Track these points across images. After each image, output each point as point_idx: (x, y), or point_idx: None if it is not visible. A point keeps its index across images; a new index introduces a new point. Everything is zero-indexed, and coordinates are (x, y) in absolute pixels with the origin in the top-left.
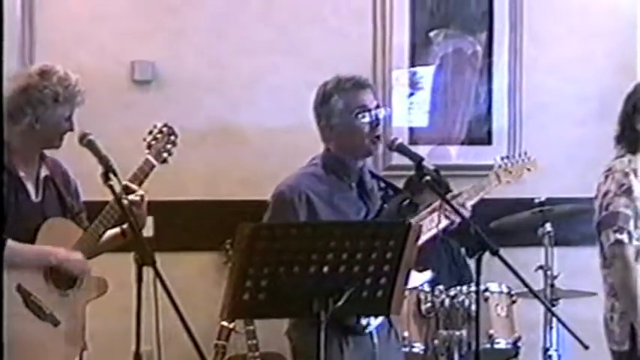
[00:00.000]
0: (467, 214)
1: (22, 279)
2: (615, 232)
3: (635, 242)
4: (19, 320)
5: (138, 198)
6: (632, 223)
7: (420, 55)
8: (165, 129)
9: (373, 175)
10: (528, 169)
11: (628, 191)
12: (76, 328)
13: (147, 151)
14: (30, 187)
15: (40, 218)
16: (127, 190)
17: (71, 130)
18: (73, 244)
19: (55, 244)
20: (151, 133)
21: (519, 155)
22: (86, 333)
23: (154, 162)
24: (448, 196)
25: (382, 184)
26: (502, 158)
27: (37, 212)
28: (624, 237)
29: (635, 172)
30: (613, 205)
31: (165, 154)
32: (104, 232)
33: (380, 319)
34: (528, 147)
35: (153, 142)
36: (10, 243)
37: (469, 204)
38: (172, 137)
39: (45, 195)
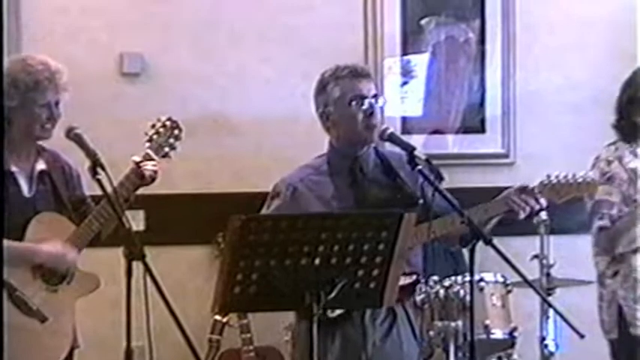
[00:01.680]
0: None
1: (8, 273)
2: (600, 219)
3: None
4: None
5: (153, 166)
6: (616, 208)
7: (412, 43)
8: (168, 123)
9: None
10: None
11: (611, 179)
12: (64, 324)
13: (147, 144)
14: (22, 182)
15: (31, 213)
16: (146, 158)
17: (52, 119)
18: (64, 239)
19: (44, 239)
20: (153, 126)
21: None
22: (77, 330)
23: (154, 156)
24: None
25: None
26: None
27: (29, 207)
28: (606, 222)
29: (620, 159)
30: (597, 194)
31: (166, 149)
32: (98, 228)
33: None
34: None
35: (155, 136)
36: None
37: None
38: (176, 131)
39: (38, 189)
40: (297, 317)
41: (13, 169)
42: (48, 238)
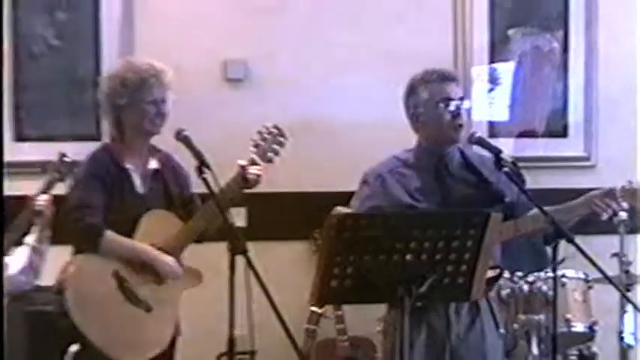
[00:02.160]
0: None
1: (119, 267)
2: None
3: None
4: (111, 303)
5: (258, 170)
6: None
7: (499, 53)
8: (274, 130)
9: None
10: None
11: None
12: (168, 315)
13: (253, 149)
14: (136, 179)
15: (143, 209)
16: (251, 162)
17: (160, 114)
18: (171, 235)
19: (153, 235)
20: (260, 133)
21: None
22: (181, 320)
23: (259, 161)
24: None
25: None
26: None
27: (141, 203)
28: None
29: None
30: None
31: (270, 154)
32: (204, 226)
33: None
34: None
35: (261, 142)
36: (110, 234)
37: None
38: (281, 138)
39: (151, 187)
40: (388, 309)
41: (127, 165)
42: (157, 234)
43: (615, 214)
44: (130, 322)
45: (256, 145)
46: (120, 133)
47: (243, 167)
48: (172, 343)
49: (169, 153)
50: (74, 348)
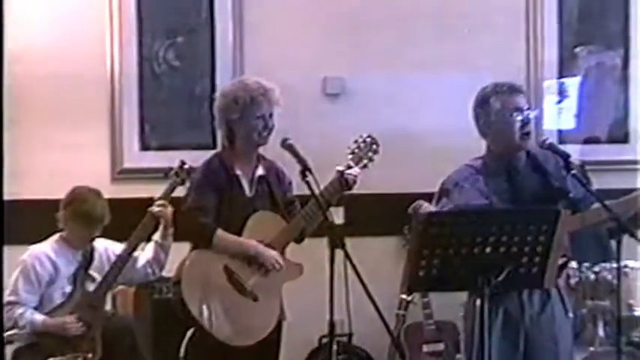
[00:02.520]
0: None
1: (229, 261)
2: None
3: None
4: (221, 293)
5: (354, 175)
6: None
7: (567, 68)
8: (369, 139)
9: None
10: None
11: None
12: (273, 303)
13: (350, 156)
14: (245, 184)
15: (250, 210)
16: (348, 167)
17: (267, 128)
18: (275, 233)
19: (259, 233)
20: (356, 142)
21: None
22: (285, 306)
23: (355, 167)
24: None
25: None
26: None
27: (249, 205)
28: None
29: None
30: None
31: (365, 161)
32: (304, 225)
33: None
34: None
35: (356, 150)
36: (221, 232)
37: None
38: (374, 146)
39: (258, 191)
40: (469, 296)
41: (238, 172)
42: (263, 232)
43: None
44: (238, 309)
45: (352, 152)
46: (231, 143)
47: (341, 172)
48: (278, 328)
49: (274, 160)
50: (190, 332)
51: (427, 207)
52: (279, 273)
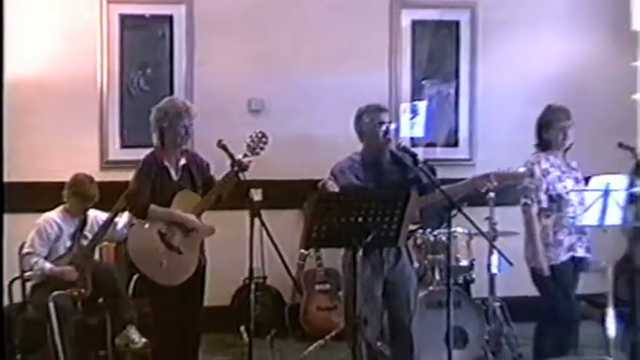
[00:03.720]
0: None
1: (161, 227)
2: (524, 197)
3: (536, 205)
4: (156, 250)
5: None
6: (533, 193)
7: (417, 94)
8: (260, 134)
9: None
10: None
11: (530, 175)
12: (193, 255)
13: (247, 146)
14: (172, 172)
15: (176, 189)
16: (239, 162)
17: (188, 134)
18: (193, 205)
19: (182, 205)
20: (250, 136)
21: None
22: (205, 256)
23: (249, 154)
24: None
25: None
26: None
27: (175, 186)
28: (529, 201)
29: (539, 162)
30: (524, 183)
31: (257, 150)
32: (218, 192)
33: None
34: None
35: (250, 143)
36: (153, 206)
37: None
38: (264, 139)
39: (182, 176)
40: (346, 251)
41: (166, 164)
42: (184, 205)
43: (488, 191)
44: (168, 260)
45: (248, 145)
46: (162, 143)
47: (239, 159)
48: (203, 271)
49: (194, 152)
50: (135, 276)
51: (332, 184)
52: (197, 233)
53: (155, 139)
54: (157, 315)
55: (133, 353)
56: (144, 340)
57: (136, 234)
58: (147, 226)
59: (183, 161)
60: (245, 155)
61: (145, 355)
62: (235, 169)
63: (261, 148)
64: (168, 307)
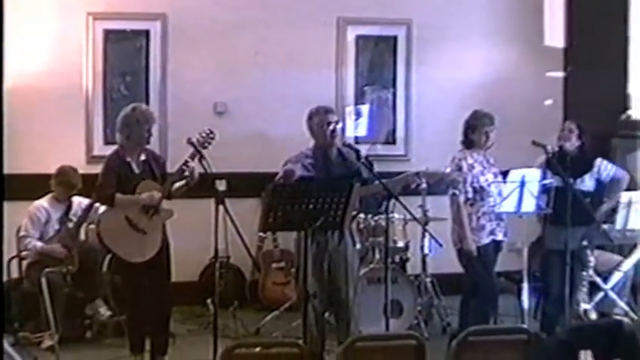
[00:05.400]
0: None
1: (127, 212)
2: (453, 188)
3: (462, 195)
4: (124, 232)
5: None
6: (461, 184)
7: (361, 99)
8: (208, 131)
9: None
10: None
11: (458, 169)
12: (156, 235)
13: (194, 142)
14: (134, 166)
15: (139, 180)
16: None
17: (149, 136)
18: (154, 192)
19: (145, 193)
20: (199, 133)
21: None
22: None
23: (199, 148)
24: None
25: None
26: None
27: (137, 178)
28: (457, 191)
29: (465, 159)
30: (452, 176)
31: (206, 144)
32: (171, 186)
33: None
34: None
35: (200, 138)
36: (119, 195)
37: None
38: (212, 135)
39: (143, 170)
40: (298, 234)
41: (128, 159)
42: (147, 192)
43: (418, 186)
44: (135, 240)
45: (197, 140)
46: (126, 143)
47: (181, 166)
48: (167, 250)
49: (152, 150)
50: (108, 256)
51: (292, 166)
52: (160, 216)
53: (120, 139)
54: (128, 288)
55: (101, 324)
56: (109, 312)
57: (106, 219)
58: (115, 212)
59: (143, 157)
60: (186, 162)
61: (109, 324)
62: (184, 167)
63: (209, 143)
64: (137, 281)
